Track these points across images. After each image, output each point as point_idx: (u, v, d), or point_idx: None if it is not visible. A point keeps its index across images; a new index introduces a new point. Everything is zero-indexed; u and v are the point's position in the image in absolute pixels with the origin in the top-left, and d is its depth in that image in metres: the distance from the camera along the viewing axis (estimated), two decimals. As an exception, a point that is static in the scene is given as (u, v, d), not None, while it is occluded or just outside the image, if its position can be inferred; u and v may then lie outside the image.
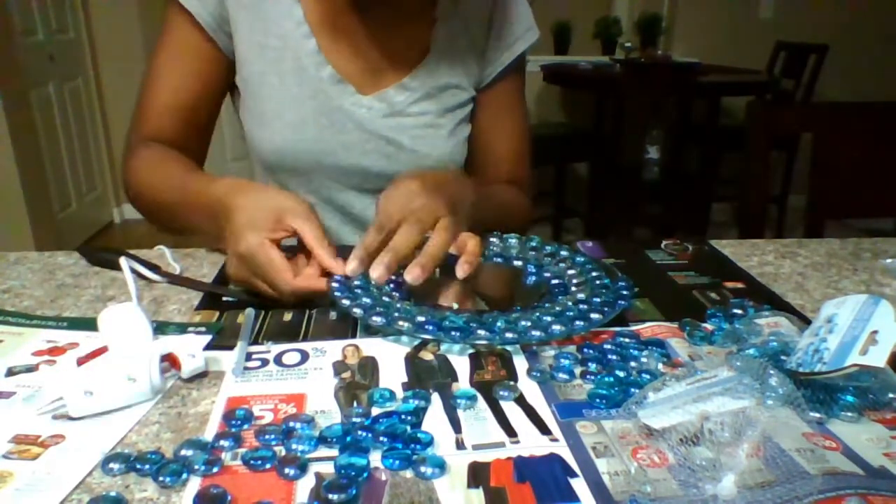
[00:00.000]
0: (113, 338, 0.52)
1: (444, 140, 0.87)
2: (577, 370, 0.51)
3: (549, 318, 0.56)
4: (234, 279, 0.63)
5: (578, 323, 0.55)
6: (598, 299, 0.60)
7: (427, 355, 0.54)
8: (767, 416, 0.40)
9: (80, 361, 0.51)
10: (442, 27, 0.86)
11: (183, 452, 0.41)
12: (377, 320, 0.55)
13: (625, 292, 0.61)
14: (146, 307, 0.57)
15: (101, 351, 0.52)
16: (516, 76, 0.93)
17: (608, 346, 0.54)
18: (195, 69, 0.82)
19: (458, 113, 0.88)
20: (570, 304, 0.60)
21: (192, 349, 0.51)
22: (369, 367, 0.52)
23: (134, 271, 0.63)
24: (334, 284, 0.61)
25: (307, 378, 0.50)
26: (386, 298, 0.60)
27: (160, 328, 0.57)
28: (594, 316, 0.56)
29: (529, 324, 0.55)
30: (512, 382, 0.49)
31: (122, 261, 0.61)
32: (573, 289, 0.64)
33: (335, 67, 0.82)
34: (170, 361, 0.50)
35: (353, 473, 0.39)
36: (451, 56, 0.86)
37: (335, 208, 0.88)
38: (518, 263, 0.72)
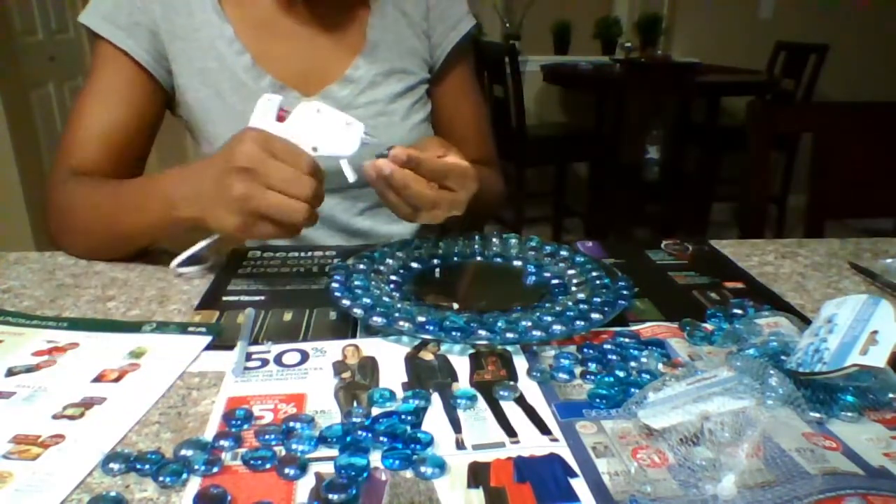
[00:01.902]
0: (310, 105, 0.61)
1: (397, 125, 0.87)
2: (577, 370, 0.51)
3: (549, 318, 0.56)
4: (238, 215, 0.58)
5: (579, 323, 0.55)
6: (598, 299, 0.60)
7: (427, 355, 0.54)
8: (767, 416, 0.40)
9: (280, 116, 0.62)
10: (377, 13, 0.87)
11: (183, 452, 0.40)
12: (378, 321, 0.55)
13: (625, 292, 0.61)
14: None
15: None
16: (465, 58, 0.95)
17: (608, 346, 0.54)
18: (128, 103, 0.80)
19: (409, 96, 0.89)
20: (570, 304, 0.60)
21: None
22: (369, 367, 0.52)
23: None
24: (334, 285, 0.61)
25: (307, 378, 0.50)
26: (386, 299, 0.60)
27: (160, 327, 0.57)
28: (595, 316, 0.56)
29: (530, 324, 0.55)
30: (512, 382, 0.49)
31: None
32: (573, 289, 0.64)
33: (274, 76, 0.83)
34: None
35: (353, 473, 0.39)
36: (390, 41, 0.87)
37: None
38: (518, 263, 0.72)
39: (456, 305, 0.61)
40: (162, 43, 0.81)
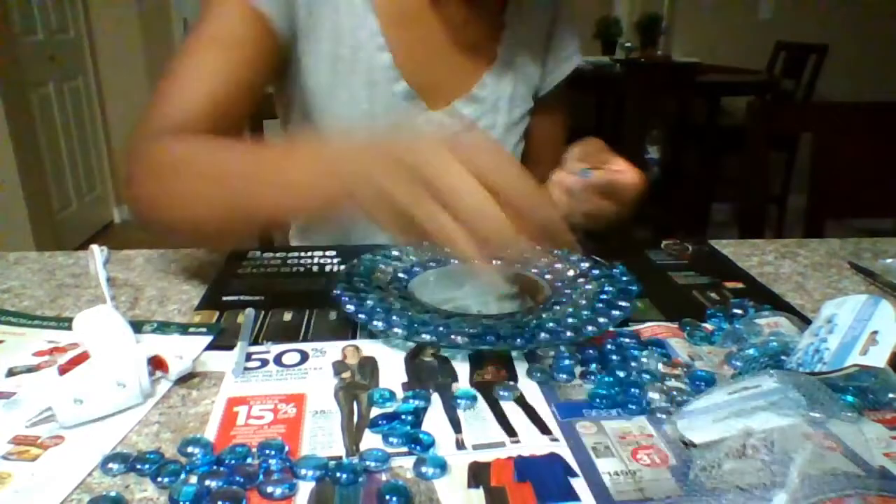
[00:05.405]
0: (94, 343, 0.50)
1: None
2: (577, 370, 0.51)
3: (555, 324, 0.56)
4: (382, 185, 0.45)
5: (589, 328, 0.55)
6: (601, 305, 0.59)
7: (427, 356, 0.54)
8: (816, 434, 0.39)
9: (63, 369, 0.49)
10: (510, 33, 0.85)
11: (189, 450, 0.40)
12: (398, 332, 0.54)
13: (633, 288, 0.62)
14: (118, 307, 0.56)
15: (83, 357, 0.50)
16: (565, 92, 0.94)
17: (608, 346, 0.54)
18: (246, 60, 0.70)
19: (521, 127, 0.88)
20: (573, 309, 0.59)
21: (178, 350, 0.50)
22: (369, 367, 0.52)
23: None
24: (343, 298, 0.60)
25: (307, 378, 0.50)
26: (387, 300, 0.60)
27: (160, 328, 0.57)
28: (602, 320, 0.56)
29: (544, 334, 0.54)
30: (512, 382, 0.49)
31: (94, 249, 0.60)
32: (578, 290, 0.64)
33: (408, 82, 0.79)
34: (156, 364, 0.48)
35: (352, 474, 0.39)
36: (516, 64, 0.85)
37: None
38: (519, 266, 0.72)
39: (477, 310, 0.60)
40: (296, 14, 0.73)
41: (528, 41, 0.86)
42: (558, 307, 0.60)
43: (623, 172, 0.70)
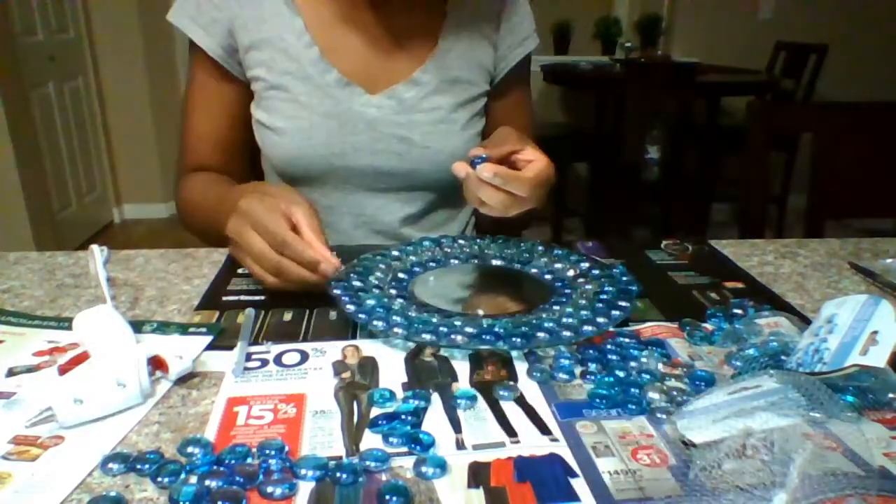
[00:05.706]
0: (94, 343, 0.50)
1: (456, 135, 0.86)
2: (577, 370, 0.51)
3: (554, 324, 0.56)
4: (230, 234, 0.64)
5: (587, 328, 0.55)
6: (601, 305, 0.59)
7: (427, 356, 0.54)
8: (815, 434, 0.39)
9: (63, 369, 0.50)
10: (452, 19, 0.86)
11: (189, 450, 0.40)
12: (398, 332, 0.54)
13: (633, 288, 0.62)
14: (118, 307, 0.56)
15: (83, 357, 0.50)
16: (524, 76, 0.95)
17: (608, 346, 0.54)
18: (220, 100, 0.86)
19: (471, 107, 0.89)
20: (573, 309, 0.59)
21: (178, 350, 0.50)
22: (369, 367, 0.52)
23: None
24: (343, 298, 0.60)
25: (307, 378, 0.50)
26: (395, 306, 0.60)
27: (160, 328, 0.57)
28: (601, 320, 0.56)
29: (541, 334, 0.54)
30: (512, 382, 0.49)
31: (94, 249, 0.60)
32: (578, 290, 0.64)
33: (341, 70, 0.83)
34: (156, 364, 0.49)
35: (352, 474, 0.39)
36: (461, 49, 0.87)
37: (348, 211, 0.88)
38: (518, 266, 0.72)
39: (481, 312, 0.60)
40: (234, 36, 0.83)
41: (474, 27, 0.88)
42: (558, 307, 0.60)
43: (531, 162, 0.68)
